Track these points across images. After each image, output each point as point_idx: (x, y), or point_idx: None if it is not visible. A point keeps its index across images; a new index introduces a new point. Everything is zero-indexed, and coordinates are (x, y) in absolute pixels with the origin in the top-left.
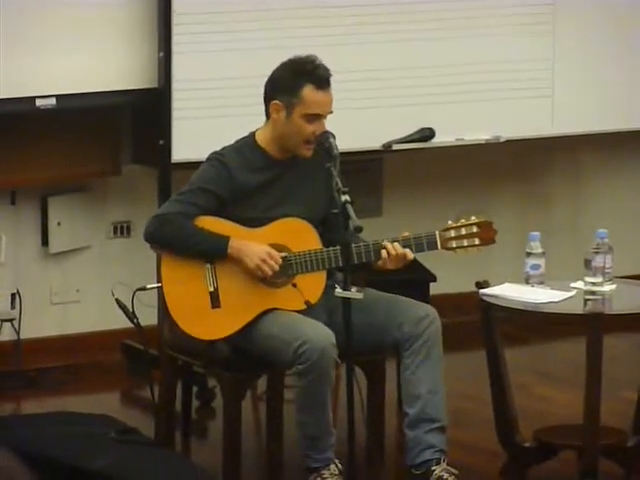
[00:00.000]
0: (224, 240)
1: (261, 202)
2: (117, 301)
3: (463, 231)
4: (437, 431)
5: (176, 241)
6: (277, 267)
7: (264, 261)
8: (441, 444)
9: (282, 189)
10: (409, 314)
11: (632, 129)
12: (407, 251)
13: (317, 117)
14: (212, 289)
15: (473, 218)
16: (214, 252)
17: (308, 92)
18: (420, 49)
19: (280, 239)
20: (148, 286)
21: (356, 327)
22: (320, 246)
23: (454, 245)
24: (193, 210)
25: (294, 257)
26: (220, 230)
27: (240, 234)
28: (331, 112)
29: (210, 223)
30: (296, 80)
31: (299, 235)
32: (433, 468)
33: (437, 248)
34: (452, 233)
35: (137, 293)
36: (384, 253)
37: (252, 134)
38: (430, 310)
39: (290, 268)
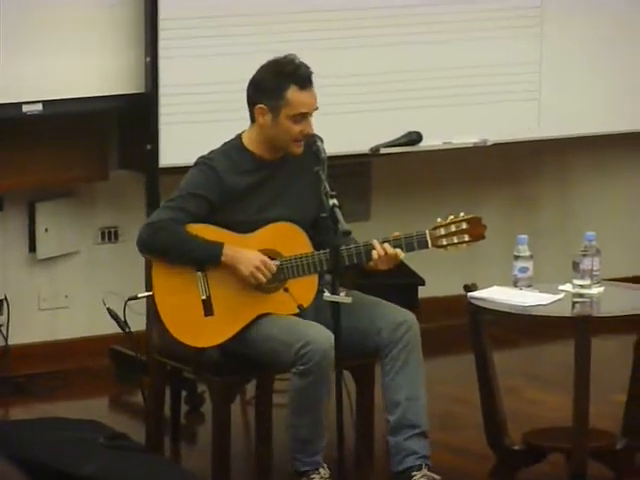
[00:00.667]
0: (218, 247)
1: (251, 205)
2: (109, 310)
3: (453, 228)
4: (418, 437)
5: (170, 248)
6: (270, 275)
7: (258, 269)
8: (423, 450)
9: (272, 191)
10: (387, 320)
11: (619, 131)
12: (397, 251)
13: (303, 116)
14: (204, 297)
15: (462, 214)
16: (208, 259)
17: (292, 93)
18: (407, 53)
19: (271, 244)
20: (139, 295)
21: (342, 330)
22: (310, 249)
23: (444, 242)
24: (184, 216)
25: (285, 262)
26: (211, 237)
27: (231, 240)
28: (317, 109)
29: (201, 230)
30: (279, 82)
31: (289, 239)
32: (414, 474)
33: (428, 247)
34: (442, 231)
35: (122, 298)
36: (375, 254)
37: (238, 136)
38: (408, 315)
39: (282, 273)
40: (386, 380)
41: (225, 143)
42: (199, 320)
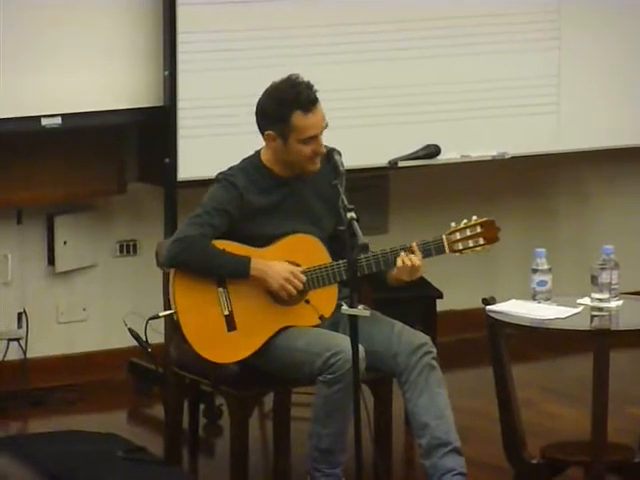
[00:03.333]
0: (246, 261)
1: (270, 221)
2: (130, 331)
3: (468, 232)
4: (452, 453)
5: (199, 264)
6: (301, 286)
7: (288, 280)
8: (459, 467)
9: (291, 207)
10: (404, 344)
11: (638, 145)
12: (415, 260)
13: (313, 138)
14: (227, 312)
15: (474, 218)
16: (237, 274)
17: (297, 119)
18: (425, 66)
19: (289, 256)
20: (160, 314)
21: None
22: (329, 260)
23: (460, 247)
24: (211, 231)
25: (305, 273)
26: (234, 252)
27: (250, 254)
28: (326, 127)
29: (224, 246)
30: (283, 109)
31: (307, 251)
32: None
33: (445, 252)
34: (457, 235)
35: (141, 313)
36: (399, 261)
37: (257, 153)
38: (423, 339)
39: (303, 284)
40: (409, 406)
41: (244, 159)
42: (222, 336)
